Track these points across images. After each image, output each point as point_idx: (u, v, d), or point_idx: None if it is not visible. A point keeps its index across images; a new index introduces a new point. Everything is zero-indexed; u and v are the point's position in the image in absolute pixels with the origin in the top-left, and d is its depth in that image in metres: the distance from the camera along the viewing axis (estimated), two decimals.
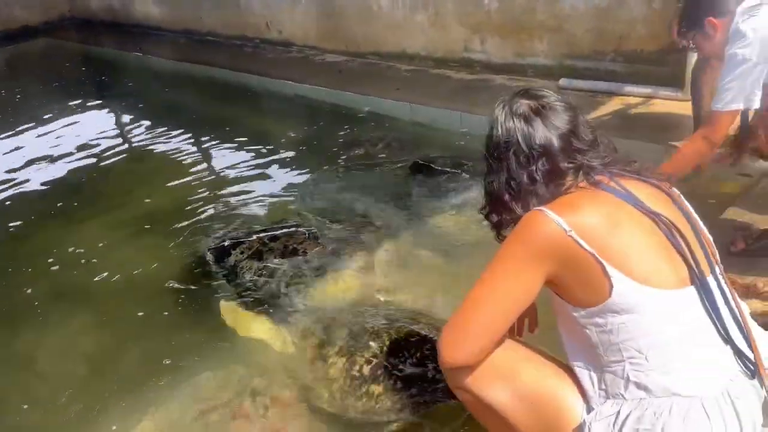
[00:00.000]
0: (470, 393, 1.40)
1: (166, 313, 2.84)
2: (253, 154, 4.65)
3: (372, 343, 2.11)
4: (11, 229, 3.81)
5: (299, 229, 3.28)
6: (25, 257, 3.43)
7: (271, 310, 2.68)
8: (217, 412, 2.08)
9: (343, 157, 4.32)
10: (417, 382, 1.97)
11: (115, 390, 2.39)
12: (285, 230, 3.27)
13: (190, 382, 2.32)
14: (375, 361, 2.06)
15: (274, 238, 3.16)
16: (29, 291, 3.11)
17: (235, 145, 4.89)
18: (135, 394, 2.33)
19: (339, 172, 4.12)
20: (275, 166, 4.42)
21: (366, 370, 2.04)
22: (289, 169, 4.34)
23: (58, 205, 4.09)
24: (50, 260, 3.39)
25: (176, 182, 4.28)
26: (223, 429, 1.99)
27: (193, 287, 3.00)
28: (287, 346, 2.41)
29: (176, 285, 3.04)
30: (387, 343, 2.11)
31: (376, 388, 1.99)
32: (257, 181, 4.17)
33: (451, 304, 2.41)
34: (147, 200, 4.00)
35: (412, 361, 2.03)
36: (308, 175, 4.17)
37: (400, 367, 2.03)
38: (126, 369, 2.52)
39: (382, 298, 2.60)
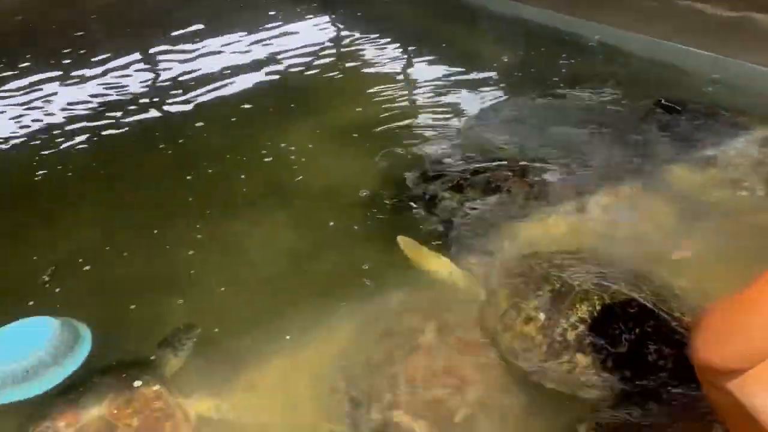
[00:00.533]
0: (728, 395, 1.10)
1: (357, 227, 2.82)
2: (465, 75, 4.39)
3: (580, 306, 1.84)
4: (233, 120, 4.05)
5: (504, 164, 3.02)
6: (242, 150, 3.63)
7: (464, 249, 2.51)
8: (398, 339, 1.98)
9: (563, 89, 3.89)
10: (633, 363, 1.69)
11: (304, 292, 2.44)
12: (489, 164, 3.02)
13: (375, 302, 2.27)
14: (581, 327, 1.80)
15: (476, 172, 2.94)
16: (243, 182, 3.29)
17: (449, 64, 4.66)
18: (321, 300, 2.36)
19: (555, 105, 3.72)
20: (485, 91, 4.12)
21: (571, 335, 1.80)
22: (499, 97, 4.02)
23: (276, 104, 4.25)
24: (264, 154, 3.55)
25: (385, 96, 4.20)
26: (403, 359, 1.89)
27: (387, 207, 2.93)
28: (477, 289, 2.24)
29: (372, 201, 3.00)
30: (598, 308, 1.82)
31: (582, 359, 1.74)
32: (466, 106, 3.94)
33: (688, 277, 2.03)
34: (358, 109, 3.99)
35: (629, 337, 1.73)
36: (519, 105, 3.83)
37: (613, 341, 1.74)
38: (317, 273, 2.56)
39: (595, 252, 2.24)
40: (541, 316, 1.90)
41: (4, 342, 1.91)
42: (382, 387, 1.80)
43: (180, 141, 3.80)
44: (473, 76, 4.36)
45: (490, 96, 4.03)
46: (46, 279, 2.58)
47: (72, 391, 1.87)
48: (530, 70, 4.35)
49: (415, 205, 2.89)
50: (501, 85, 4.17)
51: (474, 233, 2.60)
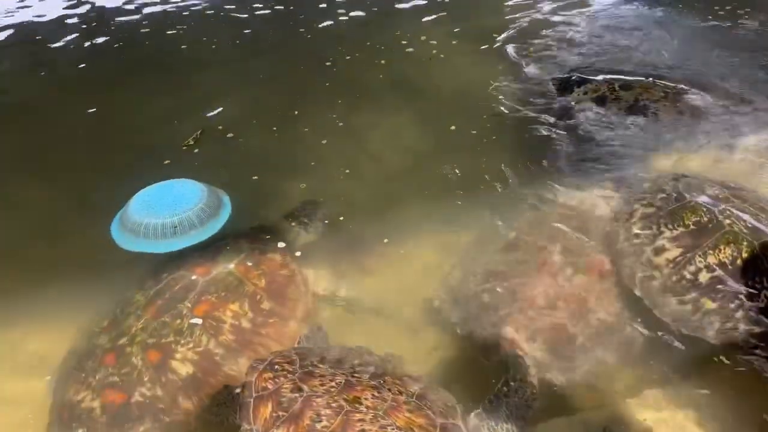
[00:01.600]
0: None
1: (483, 134, 2.76)
2: None
3: (725, 248, 1.71)
4: (375, 10, 3.97)
5: (659, 83, 2.78)
6: (381, 41, 3.58)
7: (599, 169, 2.39)
8: (522, 254, 1.95)
9: (736, 14, 3.46)
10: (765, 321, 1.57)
11: (424, 190, 2.45)
12: (642, 80, 2.80)
13: (499, 210, 2.24)
14: (718, 272, 1.68)
15: (626, 86, 2.73)
16: (377, 74, 3.27)
17: None
18: (442, 199, 2.37)
19: (725, 30, 3.33)
20: (645, 7, 3.75)
21: (704, 276, 1.69)
22: (664, 16, 3.64)
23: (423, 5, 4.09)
24: (401, 48, 3.49)
25: (531, 4, 3.94)
26: (525, 276, 1.86)
27: (519, 114, 2.82)
28: (602, 210, 2.14)
29: (502, 109, 2.89)
30: (744, 255, 1.69)
31: (708, 303, 1.64)
32: (628, 18, 3.62)
33: None
34: (501, 16, 3.78)
35: None
36: (687, 24, 3.46)
37: (751, 294, 1.62)
38: (438, 173, 2.55)
39: (756, 194, 2.05)
40: (676, 249, 1.79)
41: (157, 197, 2.05)
42: (499, 299, 1.81)
43: (319, 27, 3.80)
44: None
45: (653, 14, 3.67)
46: (191, 142, 2.74)
47: (209, 248, 2.02)
48: None
49: (552, 114, 2.77)
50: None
51: (612, 153, 2.46)
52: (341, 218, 2.29)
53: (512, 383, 1.57)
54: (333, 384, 1.45)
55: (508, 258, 1.92)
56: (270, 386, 1.46)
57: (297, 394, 1.43)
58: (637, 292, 1.80)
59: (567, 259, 1.86)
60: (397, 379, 1.52)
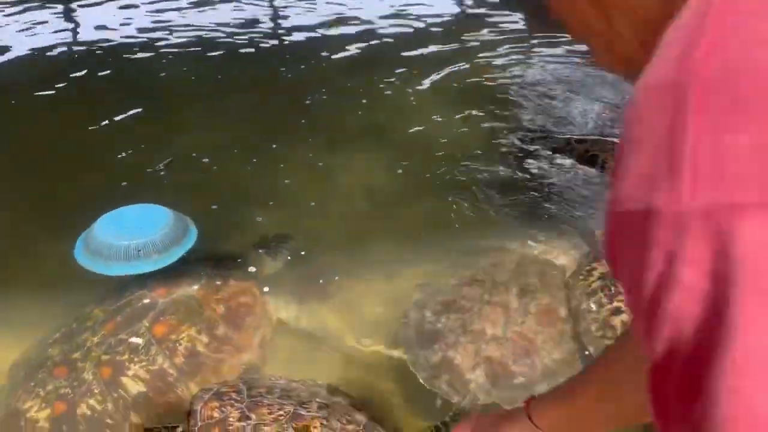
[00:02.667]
0: None
1: (450, 178, 2.87)
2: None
3: None
4: (356, 57, 4.12)
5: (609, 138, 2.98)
6: (359, 89, 3.71)
7: (559, 215, 2.52)
8: (479, 289, 2.01)
9: None
10: None
11: (391, 228, 2.52)
12: (592, 136, 3.00)
13: (462, 248, 2.34)
14: None
15: (581, 140, 2.93)
16: (352, 118, 3.38)
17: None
18: (407, 238, 2.45)
19: None
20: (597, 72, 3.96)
21: None
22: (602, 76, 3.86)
23: (403, 58, 4.27)
24: (377, 96, 3.62)
25: (502, 61, 4.14)
26: (479, 309, 1.93)
27: (487, 163, 2.96)
28: (562, 261, 2.24)
29: (471, 157, 3.02)
30: None
31: None
32: (582, 83, 3.83)
33: None
34: (472, 71, 3.97)
35: None
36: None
37: None
38: (405, 214, 2.63)
39: None
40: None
41: (122, 220, 2.08)
42: (450, 328, 1.87)
43: (302, 67, 3.93)
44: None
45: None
46: (161, 167, 2.79)
47: (170, 271, 2.05)
48: None
49: (510, 165, 2.91)
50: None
51: (571, 201, 2.59)
52: (307, 251, 2.34)
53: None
54: (282, 413, 1.47)
55: (464, 292, 1.98)
56: (217, 415, 1.47)
57: (245, 423, 1.44)
58: (590, 349, 1.87)
59: (521, 300, 1.93)
60: (344, 411, 1.55)
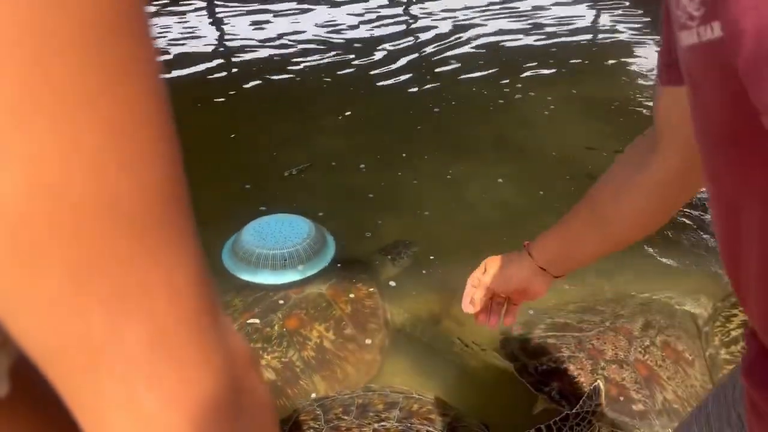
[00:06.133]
0: None
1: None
2: None
3: None
4: (490, 69, 4.11)
5: None
6: (491, 98, 3.70)
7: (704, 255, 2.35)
8: (601, 316, 1.96)
9: None
10: None
11: (515, 245, 2.48)
12: None
13: (585, 275, 2.25)
14: None
15: None
16: (482, 128, 3.39)
17: None
18: None
19: None
20: None
21: None
22: None
23: (538, 65, 4.20)
24: (511, 106, 3.59)
25: (648, 79, 3.93)
26: (602, 331, 1.86)
27: None
28: (697, 304, 2.11)
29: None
30: None
31: None
32: None
33: None
34: (618, 86, 3.81)
35: None
36: None
37: None
38: (532, 232, 2.57)
39: None
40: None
41: (270, 228, 2.19)
42: (564, 343, 1.83)
43: (432, 76, 3.98)
44: None
45: None
46: (294, 172, 2.93)
47: None
48: None
49: None
50: None
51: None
52: (429, 259, 2.38)
53: (585, 407, 1.55)
54: None
55: (584, 317, 1.93)
56: None
57: None
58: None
59: (647, 332, 1.84)
60: (424, 418, 1.52)
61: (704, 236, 2.51)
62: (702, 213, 2.64)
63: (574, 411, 1.54)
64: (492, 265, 1.03)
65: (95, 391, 0.31)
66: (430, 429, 1.48)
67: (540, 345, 1.84)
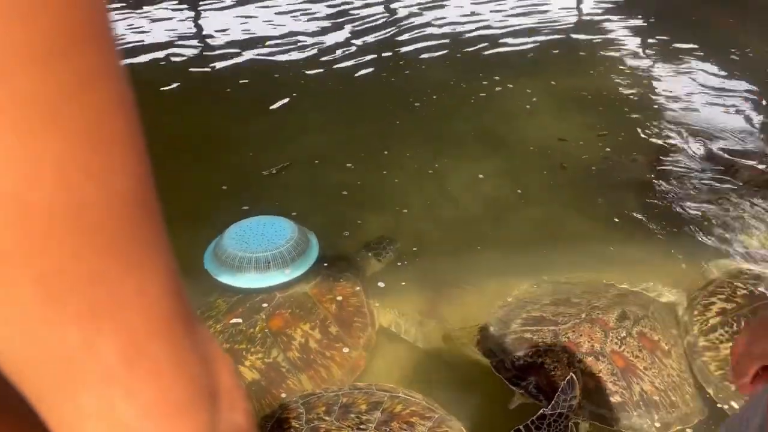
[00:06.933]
0: None
1: (566, 191, 2.79)
2: (722, 69, 3.96)
3: None
4: (468, 62, 4.12)
5: None
6: (469, 91, 3.70)
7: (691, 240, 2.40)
8: (577, 308, 1.96)
9: None
10: None
11: (498, 238, 2.51)
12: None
13: (563, 269, 2.28)
14: None
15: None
16: (461, 121, 3.39)
17: (708, 53, 4.23)
18: (513, 250, 2.42)
19: None
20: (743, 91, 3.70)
21: None
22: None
23: (512, 58, 4.21)
24: (487, 99, 3.59)
25: (627, 71, 3.97)
26: (578, 323, 1.87)
27: (607, 178, 2.85)
28: (671, 295, 2.15)
29: (588, 170, 2.93)
30: None
31: None
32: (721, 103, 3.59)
33: None
34: (593, 76, 3.84)
35: None
36: None
37: None
38: (515, 225, 2.60)
39: None
40: None
41: (252, 231, 2.15)
42: (540, 337, 1.84)
43: (411, 71, 3.98)
44: (737, 74, 3.92)
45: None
46: (274, 171, 2.90)
47: None
48: None
49: (633, 180, 2.79)
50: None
51: (697, 227, 2.48)
52: (413, 255, 2.39)
53: (561, 402, 1.55)
54: None
55: (559, 310, 1.94)
56: None
57: None
58: (710, 391, 1.78)
59: (622, 323, 1.86)
60: (405, 422, 1.53)
61: (682, 226, 2.54)
62: (678, 202, 2.67)
63: (550, 408, 1.54)
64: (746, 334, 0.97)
65: (71, 405, 0.31)
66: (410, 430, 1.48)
67: (516, 340, 1.85)
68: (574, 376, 1.60)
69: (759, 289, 1.95)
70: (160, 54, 4.16)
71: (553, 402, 1.55)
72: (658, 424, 1.65)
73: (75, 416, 0.31)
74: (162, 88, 3.68)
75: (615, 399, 1.68)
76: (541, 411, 1.56)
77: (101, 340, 0.30)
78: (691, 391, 1.79)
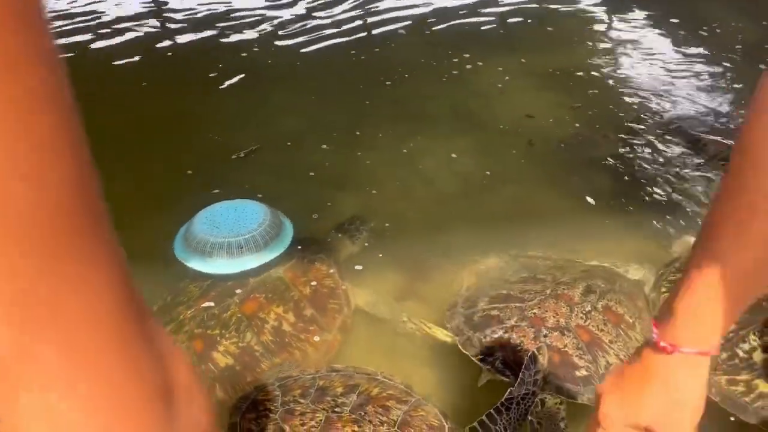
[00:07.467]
0: None
1: (539, 168, 2.80)
2: (697, 47, 4.00)
3: None
4: (439, 40, 4.08)
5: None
6: (441, 69, 3.67)
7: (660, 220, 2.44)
8: (543, 285, 1.97)
9: None
10: None
11: (472, 216, 2.51)
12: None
13: (536, 245, 2.29)
14: None
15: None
16: (433, 100, 3.37)
17: (679, 30, 4.25)
18: (487, 227, 2.42)
19: None
20: (714, 68, 3.74)
21: (759, 356, 1.67)
22: (724, 75, 3.63)
23: (482, 36, 4.18)
24: (460, 76, 3.57)
25: (599, 47, 3.98)
26: (544, 300, 1.89)
27: (579, 154, 2.87)
28: (640, 270, 2.17)
29: (561, 147, 2.94)
30: None
31: (763, 385, 1.62)
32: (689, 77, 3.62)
33: None
34: (565, 54, 3.84)
35: None
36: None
37: None
38: (488, 203, 2.60)
39: None
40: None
41: (223, 216, 2.09)
42: (507, 314, 1.85)
43: (382, 48, 3.93)
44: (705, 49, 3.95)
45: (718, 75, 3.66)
46: (242, 155, 2.85)
47: None
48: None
49: (606, 157, 2.82)
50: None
51: (668, 205, 2.51)
52: (387, 235, 2.39)
53: (526, 378, 1.56)
54: (313, 423, 1.46)
55: (526, 287, 1.95)
56: (254, 428, 1.48)
57: None
58: None
59: (587, 298, 1.88)
60: (380, 406, 1.53)
61: (651, 202, 2.57)
62: (648, 178, 2.70)
63: (516, 387, 1.56)
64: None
65: (11, 406, 0.30)
66: (383, 419, 1.47)
67: (483, 317, 1.86)
68: (535, 351, 1.61)
69: None
70: (121, 31, 4.05)
71: (518, 380, 1.56)
72: None
73: (15, 417, 0.31)
74: (121, 65, 3.60)
75: (581, 373, 1.70)
76: (508, 391, 1.57)
77: (39, 347, 0.29)
78: None
